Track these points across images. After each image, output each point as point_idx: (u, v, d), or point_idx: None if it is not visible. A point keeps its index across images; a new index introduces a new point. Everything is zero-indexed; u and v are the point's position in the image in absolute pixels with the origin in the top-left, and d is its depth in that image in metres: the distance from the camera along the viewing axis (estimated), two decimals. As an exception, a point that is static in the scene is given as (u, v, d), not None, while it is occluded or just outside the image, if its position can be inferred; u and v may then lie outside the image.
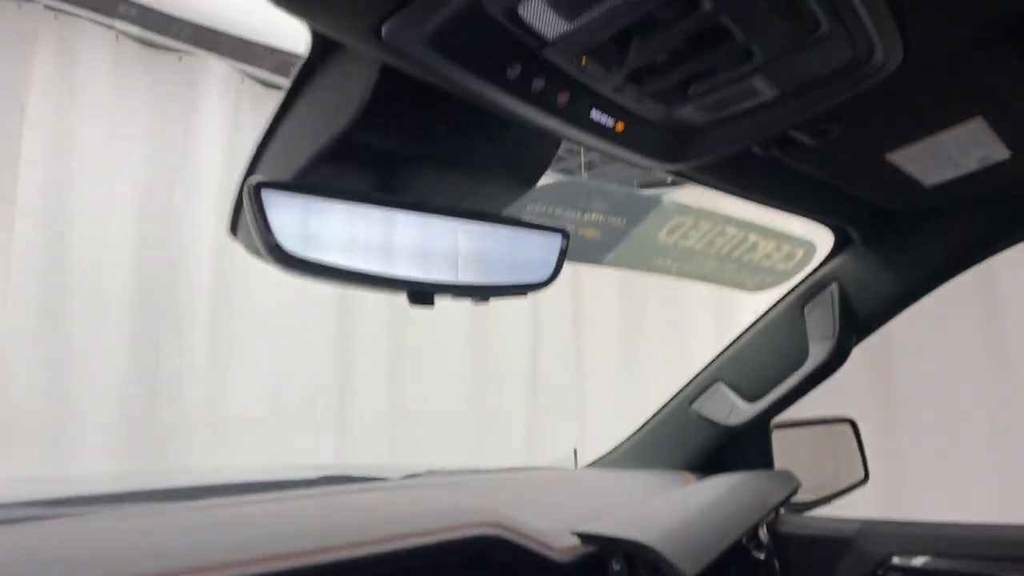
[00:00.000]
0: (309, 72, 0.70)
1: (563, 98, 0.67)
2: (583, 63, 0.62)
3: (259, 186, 0.65)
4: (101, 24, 2.71)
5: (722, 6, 0.55)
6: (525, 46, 0.60)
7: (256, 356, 2.79)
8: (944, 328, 3.01)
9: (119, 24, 2.72)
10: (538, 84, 0.64)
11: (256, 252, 0.75)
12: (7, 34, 2.53)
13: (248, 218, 0.66)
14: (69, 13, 2.66)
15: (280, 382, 2.84)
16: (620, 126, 0.73)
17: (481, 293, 0.80)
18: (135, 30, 2.74)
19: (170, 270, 2.69)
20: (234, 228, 0.83)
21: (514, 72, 0.61)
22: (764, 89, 0.71)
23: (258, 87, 2.98)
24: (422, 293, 0.75)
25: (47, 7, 2.62)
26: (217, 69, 2.85)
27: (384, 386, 3.07)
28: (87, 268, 2.53)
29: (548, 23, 0.57)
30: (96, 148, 2.57)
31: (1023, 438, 2.95)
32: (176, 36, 2.80)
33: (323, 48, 0.67)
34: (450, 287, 0.77)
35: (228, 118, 2.82)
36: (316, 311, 2.91)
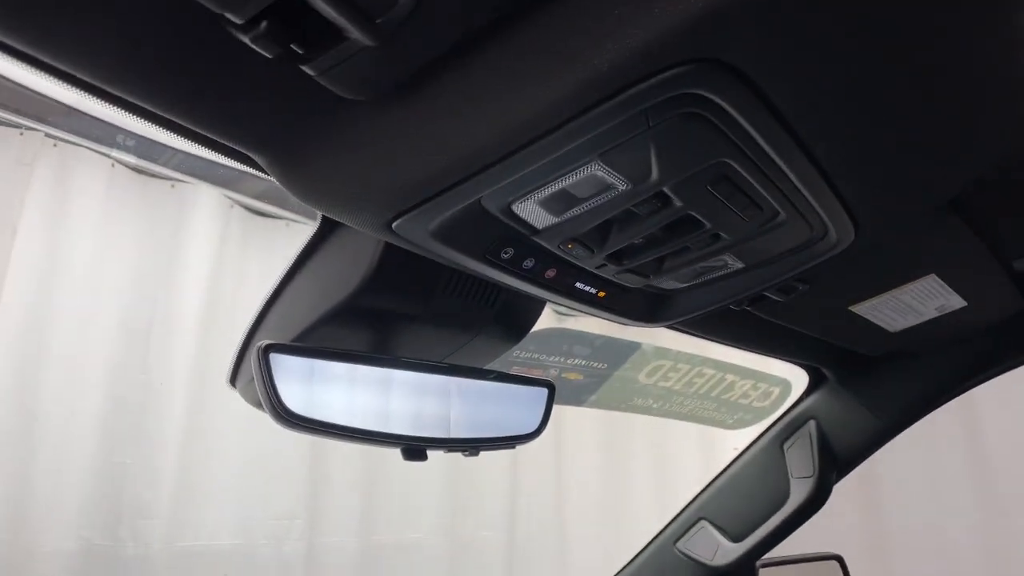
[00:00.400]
0: (319, 240, 0.75)
1: (550, 273, 0.73)
2: (569, 247, 0.68)
3: (267, 349, 0.69)
4: (99, 152, 2.81)
5: (691, 204, 0.62)
6: (518, 234, 0.66)
7: (225, 485, 2.71)
8: (930, 460, 3.05)
9: (116, 153, 2.82)
10: (528, 263, 0.70)
11: (256, 404, 0.77)
12: (6, 160, 2.60)
13: (256, 380, 0.69)
14: (69, 142, 2.76)
15: (249, 513, 2.74)
16: (602, 293, 0.79)
17: (472, 447, 0.83)
18: (131, 159, 2.85)
19: (144, 395, 2.64)
20: (234, 379, 0.86)
21: (507, 254, 0.67)
22: (733, 263, 0.77)
23: (247, 214, 3.07)
24: (416, 449, 0.78)
25: (48, 135, 2.72)
26: (208, 197, 2.94)
27: (356, 518, 2.97)
28: (60, 390, 2.49)
29: (538, 217, 0.63)
30: (82, 272, 2.60)
31: (1015, 569, 2.92)
32: (169, 164, 2.90)
33: (333, 222, 0.73)
34: (442, 442, 0.80)
35: (215, 244, 2.89)
36: (289, 441, 2.85)
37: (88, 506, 2.47)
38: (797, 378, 1.54)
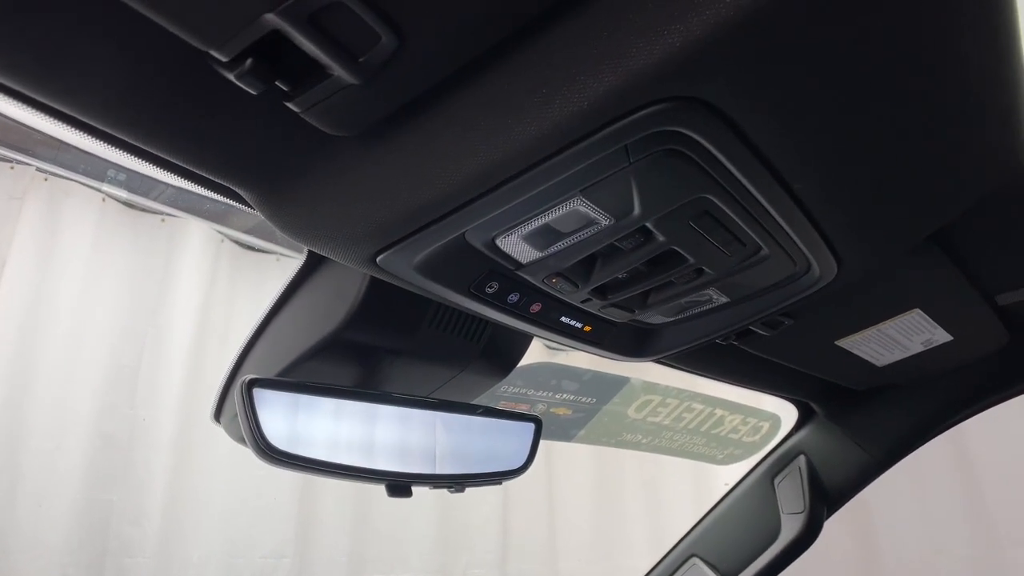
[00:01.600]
0: (305, 275, 0.75)
1: (535, 307, 0.73)
2: (553, 281, 0.68)
3: (251, 383, 0.68)
4: (89, 187, 2.82)
5: (673, 239, 0.62)
6: (502, 269, 0.66)
7: (212, 523, 2.67)
8: (922, 492, 3.04)
9: (107, 187, 2.83)
10: (513, 297, 0.70)
11: (240, 440, 0.76)
12: (-4, 194, 2.61)
13: (239, 415, 0.68)
14: (60, 176, 2.77)
15: (236, 550, 2.70)
16: (588, 328, 0.80)
17: (458, 483, 0.82)
18: (122, 193, 2.85)
19: (130, 431, 2.62)
20: (218, 415, 0.85)
21: (492, 288, 0.68)
22: (718, 297, 0.78)
23: (237, 248, 3.07)
24: (400, 486, 0.77)
25: (39, 170, 2.73)
26: (197, 231, 2.94)
27: (345, 556, 2.93)
28: (46, 425, 2.46)
29: (522, 252, 0.63)
30: (71, 307, 2.59)
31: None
32: (160, 199, 2.91)
33: (319, 256, 0.73)
34: (428, 478, 0.79)
35: (205, 279, 2.88)
36: (278, 478, 2.82)
37: (73, 543, 2.44)
38: (787, 413, 1.54)
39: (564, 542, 3.67)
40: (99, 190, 2.84)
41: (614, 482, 3.87)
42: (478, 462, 0.84)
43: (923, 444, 1.42)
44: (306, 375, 0.77)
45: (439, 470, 0.79)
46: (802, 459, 1.43)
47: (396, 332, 0.78)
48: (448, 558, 3.20)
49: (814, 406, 1.41)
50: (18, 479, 2.38)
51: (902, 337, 1.15)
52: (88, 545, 2.46)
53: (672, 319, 0.83)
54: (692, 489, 3.75)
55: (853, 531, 3.03)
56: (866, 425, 1.41)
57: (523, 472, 0.88)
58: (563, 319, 0.77)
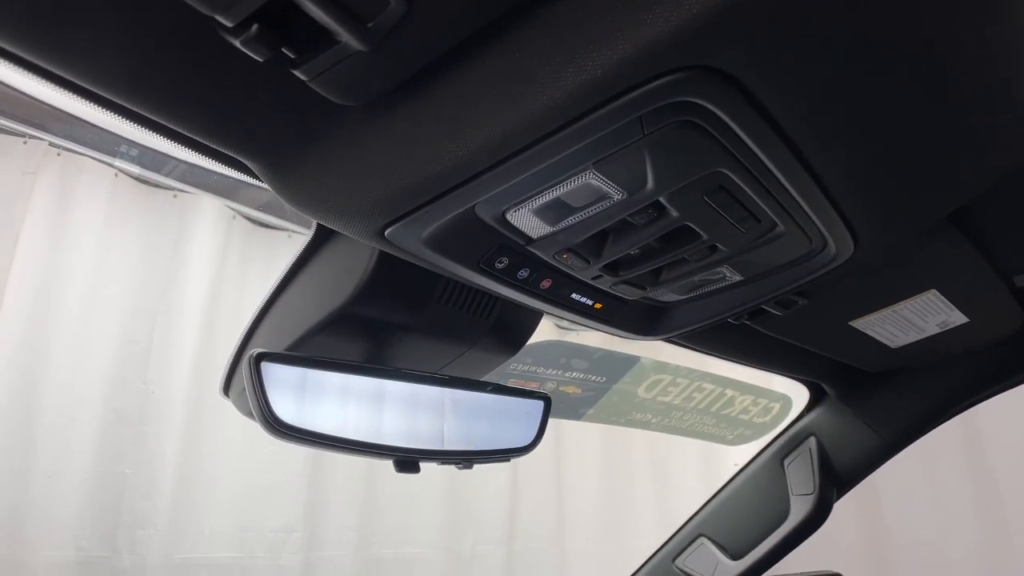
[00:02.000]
0: (313, 249, 0.75)
1: (546, 284, 0.72)
2: (564, 257, 0.67)
3: (259, 357, 0.68)
4: (102, 163, 2.82)
5: (687, 215, 0.61)
6: (512, 244, 0.65)
7: (223, 497, 2.70)
8: (931, 476, 3.02)
9: (119, 163, 2.83)
10: (523, 272, 0.69)
11: (248, 414, 0.76)
12: (9, 169, 2.61)
13: (247, 389, 0.68)
14: (73, 151, 2.77)
15: (247, 524, 2.73)
16: (599, 305, 0.79)
17: (465, 459, 0.82)
18: (134, 169, 2.85)
19: (143, 406, 2.64)
20: (227, 389, 0.85)
21: (501, 263, 0.67)
22: (731, 275, 0.76)
23: (249, 224, 3.07)
24: (408, 461, 0.77)
25: (52, 144, 2.73)
26: (209, 207, 2.95)
27: (354, 532, 2.95)
28: (59, 399, 2.49)
29: (532, 226, 0.62)
30: (83, 282, 2.60)
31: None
32: (172, 175, 2.91)
33: (328, 230, 0.72)
34: (436, 454, 0.79)
35: (217, 255, 2.89)
36: (288, 453, 2.84)
37: (86, 516, 2.47)
38: (798, 394, 1.53)
39: (572, 522, 3.69)
40: (111, 165, 2.85)
41: (623, 462, 3.87)
42: (486, 439, 0.83)
43: (935, 427, 1.41)
44: (315, 350, 0.77)
45: (447, 446, 0.79)
46: (813, 440, 1.42)
47: (405, 307, 0.77)
48: (455, 536, 3.22)
49: (826, 387, 1.40)
50: (32, 454, 2.41)
51: (917, 318, 1.14)
52: (101, 518, 2.49)
53: (684, 297, 0.82)
54: (703, 469, 3.75)
55: (861, 515, 3.02)
56: (878, 407, 1.40)
57: (531, 449, 0.87)
58: (573, 296, 0.76)
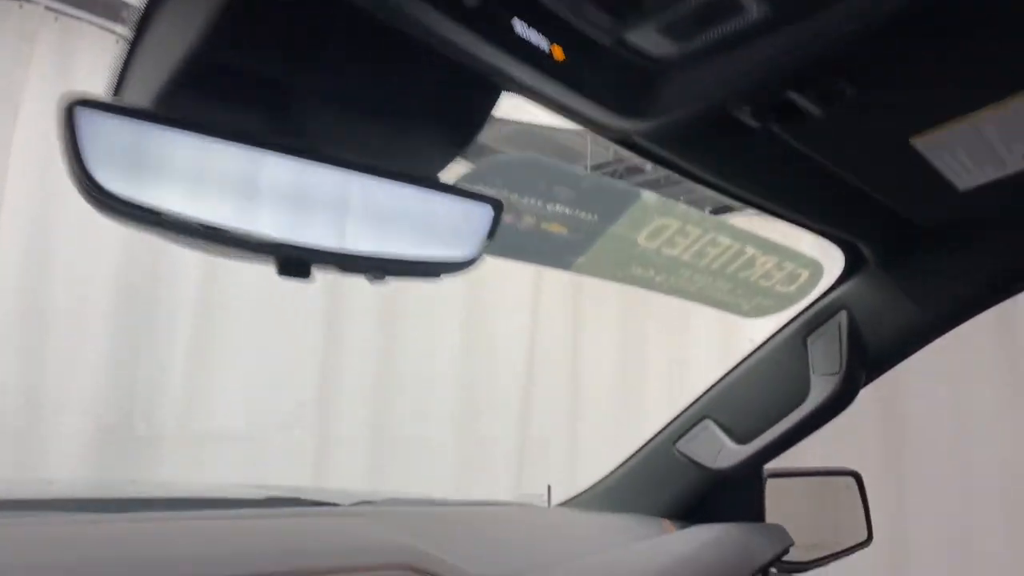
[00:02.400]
0: None
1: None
2: None
3: (73, 105, 0.51)
4: (102, 28, 2.68)
5: None
6: None
7: (236, 370, 2.69)
8: (962, 371, 2.75)
9: (120, 28, 2.69)
10: None
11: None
12: (6, 33, 2.52)
13: (60, 143, 0.51)
14: (70, 15, 2.64)
15: (259, 398, 2.72)
16: (557, 50, 0.57)
17: (377, 267, 0.64)
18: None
19: (153, 279, 2.61)
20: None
21: None
22: (750, 4, 0.54)
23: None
24: (295, 260, 0.60)
25: (48, 8, 2.60)
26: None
27: (367, 409, 2.93)
28: (69, 273, 2.47)
29: None
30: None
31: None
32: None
33: None
34: (335, 256, 0.62)
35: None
36: (301, 327, 2.79)
37: (104, 391, 2.49)
38: (830, 263, 1.31)
39: (584, 404, 3.60)
40: (112, 31, 2.71)
41: (639, 338, 3.69)
42: (409, 243, 0.65)
43: (998, 303, 1.18)
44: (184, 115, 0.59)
45: (351, 247, 0.61)
46: (843, 315, 1.22)
47: (287, 55, 0.58)
48: (468, 418, 3.17)
49: (865, 250, 1.18)
50: (46, 333, 2.43)
51: (1001, 143, 0.89)
52: (117, 391, 2.51)
53: (679, 49, 0.60)
54: (724, 345, 3.51)
55: (877, 408, 2.74)
56: (928, 275, 1.18)
57: (470, 266, 0.69)
58: (517, 26, 0.54)
